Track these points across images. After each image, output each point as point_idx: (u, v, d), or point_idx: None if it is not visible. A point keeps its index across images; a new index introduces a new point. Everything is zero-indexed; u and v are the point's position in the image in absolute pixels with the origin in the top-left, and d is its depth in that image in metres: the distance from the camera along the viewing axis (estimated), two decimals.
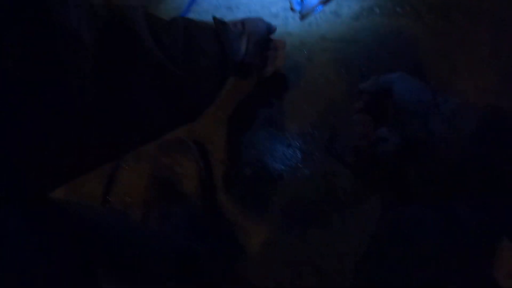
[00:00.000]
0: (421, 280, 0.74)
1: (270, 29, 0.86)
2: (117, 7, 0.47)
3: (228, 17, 0.89)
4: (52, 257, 0.42)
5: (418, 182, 0.84)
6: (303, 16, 1.05)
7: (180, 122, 0.69)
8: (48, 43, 0.37)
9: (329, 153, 0.86)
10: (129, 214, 1.02)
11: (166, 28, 0.59)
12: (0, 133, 0.36)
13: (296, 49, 0.99)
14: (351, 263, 0.80)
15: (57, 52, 0.38)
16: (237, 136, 0.94)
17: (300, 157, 0.87)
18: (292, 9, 1.07)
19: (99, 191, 1.05)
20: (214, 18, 0.73)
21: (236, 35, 0.75)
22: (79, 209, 0.61)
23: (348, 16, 1.00)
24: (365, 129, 0.75)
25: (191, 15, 1.14)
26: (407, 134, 0.73)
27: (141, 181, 1.01)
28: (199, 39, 0.66)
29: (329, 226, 0.81)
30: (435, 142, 0.75)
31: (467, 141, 0.69)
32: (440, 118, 0.71)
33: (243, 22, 0.80)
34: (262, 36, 0.82)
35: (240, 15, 1.09)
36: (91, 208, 0.80)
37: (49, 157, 0.43)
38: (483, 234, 0.81)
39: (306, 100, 0.93)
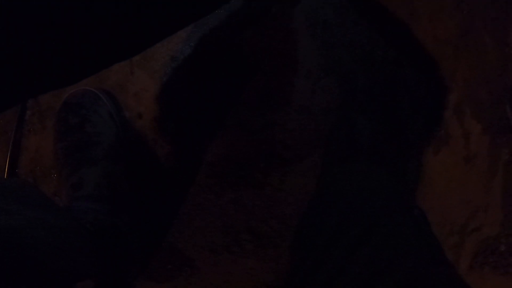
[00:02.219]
0: (363, 243, 0.66)
1: None
2: None
3: None
4: None
5: (369, 135, 0.74)
6: None
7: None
8: None
9: None
10: (40, 186, 0.86)
11: None
12: None
13: None
14: (292, 223, 0.71)
15: None
16: (159, 85, 0.76)
17: (232, 109, 0.72)
18: None
19: (3, 163, 0.86)
20: None
21: None
22: None
23: None
24: None
25: None
26: None
27: (50, 145, 0.82)
28: None
29: (266, 186, 0.70)
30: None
31: None
32: None
33: None
34: None
35: None
36: None
37: None
38: None
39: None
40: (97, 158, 0.81)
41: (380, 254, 0.50)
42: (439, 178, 0.83)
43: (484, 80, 0.92)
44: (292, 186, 0.70)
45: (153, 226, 0.76)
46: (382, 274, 0.45)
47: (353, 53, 0.76)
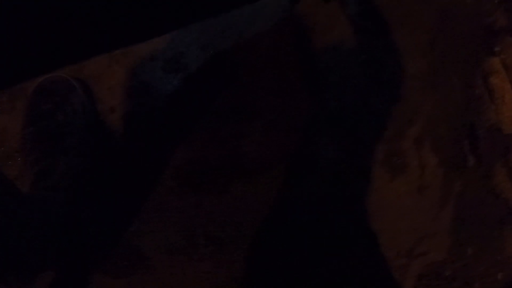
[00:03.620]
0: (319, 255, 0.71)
1: None
2: None
3: None
4: None
5: (329, 156, 0.77)
6: None
7: None
8: None
9: None
10: (2, 168, 0.84)
11: None
12: None
13: None
14: (249, 233, 0.73)
15: None
16: (135, 82, 0.77)
17: (203, 115, 0.74)
18: None
19: None
20: None
21: None
22: None
23: None
24: None
25: None
26: None
27: (18, 128, 0.81)
28: None
29: (227, 194, 0.73)
30: None
31: None
32: None
33: None
34: None
35: None
36: None
37: None
38: None
39: None
40: (65, 149, 0.80)
41: None
42: (391, 204, 0.89)
43: (446, 117, 0.99)
44: (251, 196, 0.73)
45: (113, 221, 0.77)
46: None
47: (326, 75, 0.80)
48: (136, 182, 0.75)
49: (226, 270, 0.78)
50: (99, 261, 0.77)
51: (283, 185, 0.74)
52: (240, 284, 0.75)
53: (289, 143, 0.74)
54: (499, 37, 1.40)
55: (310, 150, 0.75)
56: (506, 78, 1.35)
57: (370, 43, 0.82)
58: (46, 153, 0.81)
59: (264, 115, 0.74)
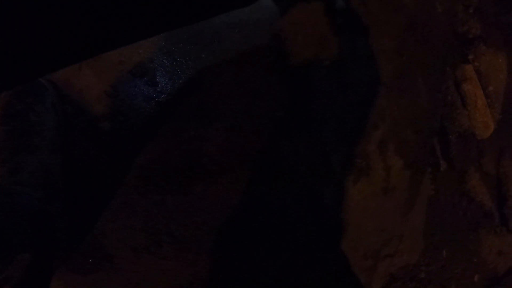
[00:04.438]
0: (279, 262, 0.73)
1: None
2: None
3: None
4: None
5: (293, 158, 0.79)
6: None
7: None
8: None
9: None
10: None
11: None
12: None
13: None
14: (211, 232, 0.75)
15: None
16: (103, 83, 0.79)
17: (168, 118, 0.76)
18: None
19: None
20: None
21: None
22: None
23: None
24: None
25: None
26: None
27: None
28: None
29: (189, 193, 0.74)
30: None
31: None
32: None
33: None
34: None
35: None
36: None
37: None
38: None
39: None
40: (36, 147, 0.83)
41: None
42: (356, 206, 0.91)
43: (412, 121, 1.01)
44: (213, 196, 0.75)
45: (80, 218, 0.78)
46: None
47: (288, 80, 0.82)
48: (102, 180, 0.78)
49: (189, 268, 0.80)
50: (66, 258, 0.79)
51: (245, 186, 0.75)
52: (202, 282, 0.76)
53: (252, 146, 0.76)
54: (473, 45, 1.43)
55: (272, 152, 0.77)
56: (479, 85, 1.38)
57: (333, 49, 0.85)
58: (18, 150, 0.84)
59: (226, 118, 0.76)
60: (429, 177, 1.19)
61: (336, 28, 0.88)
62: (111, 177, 0.77)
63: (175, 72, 0.80)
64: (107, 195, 0.78)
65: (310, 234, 0.83)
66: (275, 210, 0.80)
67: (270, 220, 0.80)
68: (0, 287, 0.65)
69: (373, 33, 0.95)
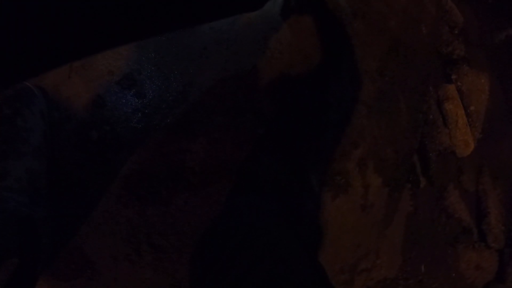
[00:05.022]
0: (259, 269, 0.75)
1: None
2: None
3: None
4: None
5: (272, 173, 0.82)
6: None
7: None
8: None
9: None
10: None
11: None
12: None
13: None
14: (191, 243, 0.77)
15: None
16: (91, 92, 0.81)
17: (152, 128, 0.78)
18: None
19: None
20: None
21: None
22: None
23: None
24: None
25: None
26: None
27: None
28: None
29: (171, 205, 0.77)
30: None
31: None
32: None
33: None
34: None
35: None
36: None
37: None
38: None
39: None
40: (22, 153, 0.84)
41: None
42: (334, 221, 0.94)
43: (392, 140, 1.05)
44: (194, 208, 0.77)
45: (63, 224, 0.80)
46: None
47: (271, 98, 0.85)
48: (86, 188, 0.79)
49: (169, 277, 0.82)
50: (50, 263, 0.80)
51: (226, 199, 0.78)
52: None
53: (232, 160, 0.78)
54: (456, 65, 1.48)
55: (253, 167, 0.80)
56: (460, 104, 1.43)
57: (317, 68, 0.88)
58: (4, 156, 0.85)
59: (209, 132, 0.78)
60: (408, 194, 1.23)
61: (322, 48, 0.91)
62: (94, 186, 0.79)
63: (162, 85, 0.82)
64: (90, 203, 0.80)
65: (289, 247, 0.86)
66: (254, 223, 0.83)
67: (250, 232, 0.82)
68: None
69: (358, 54, 0.99)
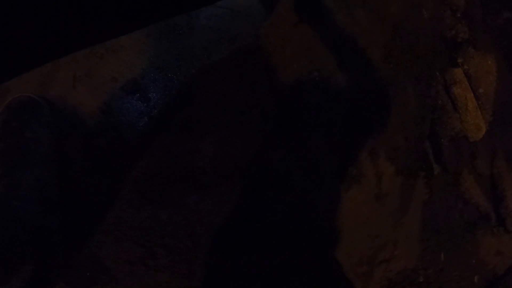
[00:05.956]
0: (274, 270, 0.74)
1: None
2: None
3: None
4: None
5: (283, 168, 0.81)
6: None
7: None
8: None
9: None
10: None
11: None
12: None
13: None
14: (204, 244, 0.76)
15: None
16: (96, 100, 0.80)
17: (159, 130, 0.77)
18: None
19: None
20: None
21: None
22: None
23: None
24: None
25: None
26: None
27: None
28: None
29: (183, 206, 0.75)
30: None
31: None
32: None
33: None
34: None
35: None
36: None
37: None
38: None
39: None
40: (32, 163, 0.84)
41: None
42: (348, 213, 0.91)
43: (402, 127, 1.02)
44: (206, 208, 0.76)
45: (76, 232, 0.79)
46: None
47: (277, 93, 0.84)
48: (97, 195, 0.79)
49: (185, 280, 0.80)
50: (62, 271, 0.79)
51: (237, 197, 0.76)
52: None
53: (242, 158, 0.77)
54: (461, 49, 1.44)
55: (263, 164, 0.78)
56: (469, 87, 1.39)
57: (321, 60, 0.86)
58: (13, 167, 0.85)
59: (216, 131, 0.77)
60: (423, 182, 1.20)
61: (323, 40, 0.89)
62: (105, 192, 0.78)
63: (166, 88, 0.81)
64: (102, 210, 0.79)
65: (304, 242, 0.84)
66: (268, 220, 0.81)
67: (263, 229, 0.81)
68: None
69: (361, 43, 0.97)
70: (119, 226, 0.79)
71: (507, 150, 1.48)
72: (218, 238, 0.77)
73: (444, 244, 1.39)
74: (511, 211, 1.45)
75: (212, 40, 0.85)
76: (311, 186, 0.86)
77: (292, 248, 0.85)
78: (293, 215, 0.83)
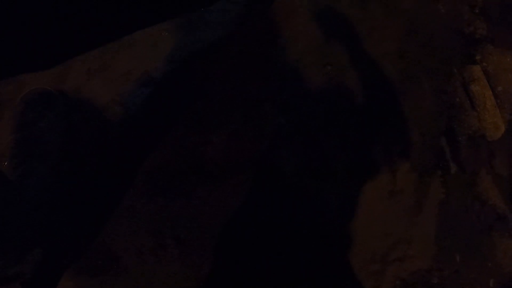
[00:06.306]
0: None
1: None
2: None
3: None
4: None
5: (295, 163, 0.79)
6: None
7: None
8: None
9: None
10: None
11: None
12: None
13: None
14: (215, 236, 0.75)
15: None
16: (110, 92, 0.81)
17: (172, 124, 0.77)
18: None
19: None
20: None
21: None
22: None
23: None
24: None
25: None
26: None
27: (5, 135, 0.87)
28: None
29: (194, 198, 0.75)
30: None
31: None
32: None
33: None
34: None
35: None
36: None
37: None
38: None
39: None
40: (46, 153, 0.86)
41: None
42: (361, 209, 0.89)
43: (418, 122, 0.99)
44: (217, 200, 0.75)
45: (88, 221, 0.80)
46: None
47: (289, 86, 0.83)
48: (110, 185, 0.79)
49: (194, 271, 0.80)
50: (76, 259, 0.80)
51: (248, 190, 0.76)
52: (208, 284, 0.76)
53: (253, 151, 0.76)
54: (479, 45, 1.40)
55: (274, 157, 0.77)
56: (487, 85, 1.35)
57: (334, 54, 0.84)
58: (27, 157, 0.87)
59: (228, 124, 0.77)
60: (439, 180, 1.16)
61: (337, 33, 0.88)
62: (118, 182, 0.79)
63: (179, 81, 0.81)
64: (114, 199, 0.80)
65: (314, 237, 0.82)
66: (278, 214, 0.80)
67: (274, 224, 0.79)
68: (12, 281, 0.67)
69: (375, 37, 0.95)
70: (131, 216, 0.79)
71: None
72: (228, 231, 0.76)
73: (460, 246, 1.34)
74: None
75: (226, 34, 0.85)
76: (322, 181, 0.85)
77: (302, 244, 0.84)
78: (304, 211, 0.82)
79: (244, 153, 0.76)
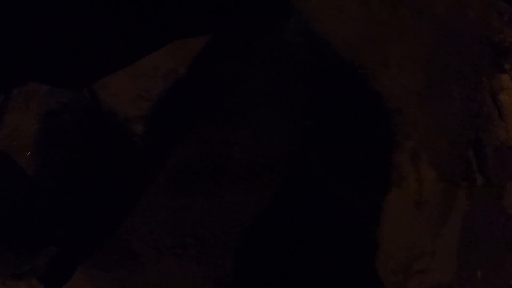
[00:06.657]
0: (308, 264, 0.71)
1: None
2: None
3: None
4: None
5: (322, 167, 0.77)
6: None
7: None
8: None
9: None
10: (15, 159, 0.90)
11: None
12: None
13: None
14: (236, 238, 0.73)
15: None
16: (139, 89, 0.81)
17: (197, 122, 0.76)
18: None
19: None
20: None
21: None
22: None
23: None
24: None
25: None
26: None
27: (30, 125, 0.87)
28: None
29: (216, 197, 0.73)
30: None
31: None
32: None
33: None
34: None
35: None
36: None
37: None
38: None
39: None
40: (69, 145, 0.86)
41: None
42: (386, 218, 0.86)
43: (446, 131, 0.95)
44: (240, 201, 0.73)
45: (107, 214, 0.79)
46: None
47: (319, 90, 0.80)
48: (133, 181, 0.78)
49: (213, 272, 0.78)
50: (91, 253, 0.79)
51: (272, 193, 0.74)
52: (226, 286, 0.74)
53: (279, 153, 0.74)
54: (509, 54, 1.35)
55: (301, 160, 0.75)
56: None
57: (364, 57, 0.82)
58: (51, 147, 0.87)
59: (255, 123, 0.75)
60: (464, 192, 1.12)
61: (368, 36, 0.85)
62: (140, 178, 0.78)
63: (207, 78, 0.80)
64: (135, 195, 0.79)
65: (338, 244, 0.79)
66: (302, 219, 0.77)
67: (297, 228, 0.77)
68: (27, 276, 0.66)
69: (405, 42, 0.92)
70: (151, 213, 0.77)
71: None
72: (251, 233, 0.74)
73: (482, 261, 1.29)
74: None
75: (257, 31, 0.83)
76: (349, 187, 0.82)
77: (324, 251, 0.81)
78: (329, 218, 0.79)
79: (270, 154, 0.74)
